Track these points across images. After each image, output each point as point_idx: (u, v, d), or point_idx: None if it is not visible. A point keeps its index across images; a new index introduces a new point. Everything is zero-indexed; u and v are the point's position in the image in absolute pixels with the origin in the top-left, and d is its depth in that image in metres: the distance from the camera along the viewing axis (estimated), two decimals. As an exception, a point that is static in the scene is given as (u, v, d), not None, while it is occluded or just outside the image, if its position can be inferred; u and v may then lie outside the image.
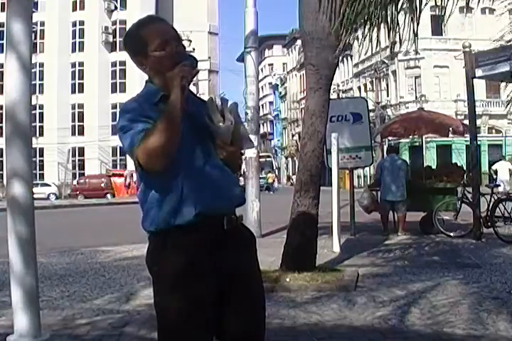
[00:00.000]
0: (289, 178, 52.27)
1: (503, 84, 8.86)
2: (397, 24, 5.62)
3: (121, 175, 38.19)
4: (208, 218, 1.92)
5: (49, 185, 37.58)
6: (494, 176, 18.20)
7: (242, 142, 2.17)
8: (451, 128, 11.46)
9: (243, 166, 2.34)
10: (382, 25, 5.68)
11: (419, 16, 5.51)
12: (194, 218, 1.91)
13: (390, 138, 19.07)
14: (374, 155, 11.51)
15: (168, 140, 1.83)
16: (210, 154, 2.02)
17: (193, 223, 1.91)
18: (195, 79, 2.17)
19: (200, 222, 1.91)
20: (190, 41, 40.45)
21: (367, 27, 5.68)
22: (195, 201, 1.92)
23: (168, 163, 1.87)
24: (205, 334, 1.92)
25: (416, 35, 5.53)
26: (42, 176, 42.61)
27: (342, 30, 5.66)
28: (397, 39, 5.68)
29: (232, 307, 1.97)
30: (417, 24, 5.47)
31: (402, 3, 5.56)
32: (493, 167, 19.39)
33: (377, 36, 5.87)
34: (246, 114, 10.47)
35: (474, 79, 9.34)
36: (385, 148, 17.30)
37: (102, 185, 36.57)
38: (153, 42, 2.00)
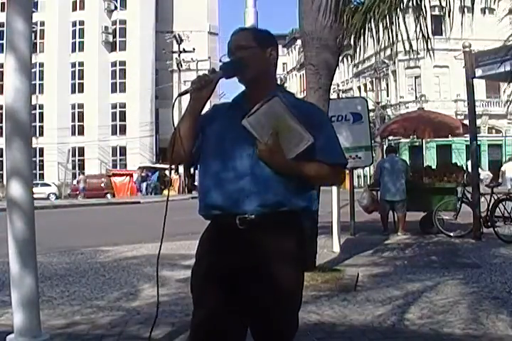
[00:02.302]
0: None
1: (503, 84, 8.86)
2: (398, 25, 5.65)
3: (121, 175, 38.22)
4: (221, 214, 2.09)
5: (49, 185, 37.55)
6: (500, 179, 18.05)
7: (288, 140, 2.04)
8: (451, 131, 11.48)
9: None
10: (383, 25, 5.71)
11: (426, 17, 5.56)
12: (203, 212, 2.15)
13: (390, 138, 19.07)
14: (374, 155, 11.51)
15: (174, 138, 2.12)
16: (234, 154, 2.09)
17: (211, 216, 2.14)
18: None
19: (216, 217, 2.12)
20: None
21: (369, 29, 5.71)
22: (205, 198, 2.14)
23: (182, 157, 2.17)
24: (214, 305, 2.07)
25: (427, 40, 5.58)
26: (42, 176, 42.60)
27: (344, 34, 5.69)
28: (401, 39, 5.71)
29: (248, 303, 2.08)
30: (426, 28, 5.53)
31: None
32: (502, 168, 19.31)
33: (378, 36, 5.88)
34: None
35: (474, 79, 9.35)
36: (385, 148, 17.30)
37: (102, 185, 36.56)
38: None
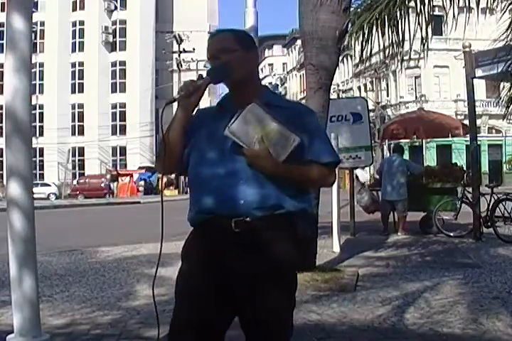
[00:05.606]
0: None
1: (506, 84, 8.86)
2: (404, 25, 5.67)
3: (121, 175, 38.20)
4: (216, 218, 2.04)
5: (49, 185, 37.56)
6: None
7: (272, 145, 2.01)
8: (451, 132, 11.48)
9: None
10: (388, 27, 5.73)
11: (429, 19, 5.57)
12: (195, 218, 2.11)
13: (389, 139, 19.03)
14: (374, 155, 11.51)
15: (163, 147, 2.11)
16: (226, 158, 2.06)
17: (201, 221, 2.09)
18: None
19: (208, 221, 2.06)
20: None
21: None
22: (198, 204, 2.10)
23: (172, 166, 2.18)
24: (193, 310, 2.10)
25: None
26: (42, 176, 42.60)
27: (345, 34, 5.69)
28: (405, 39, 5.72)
29: (239, 306, 2.06)
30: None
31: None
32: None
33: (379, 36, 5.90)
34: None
35: (474, 79, 9.34)
36: (385, 148, 17.27)
37: (102, 185, 36.57)
38: None
